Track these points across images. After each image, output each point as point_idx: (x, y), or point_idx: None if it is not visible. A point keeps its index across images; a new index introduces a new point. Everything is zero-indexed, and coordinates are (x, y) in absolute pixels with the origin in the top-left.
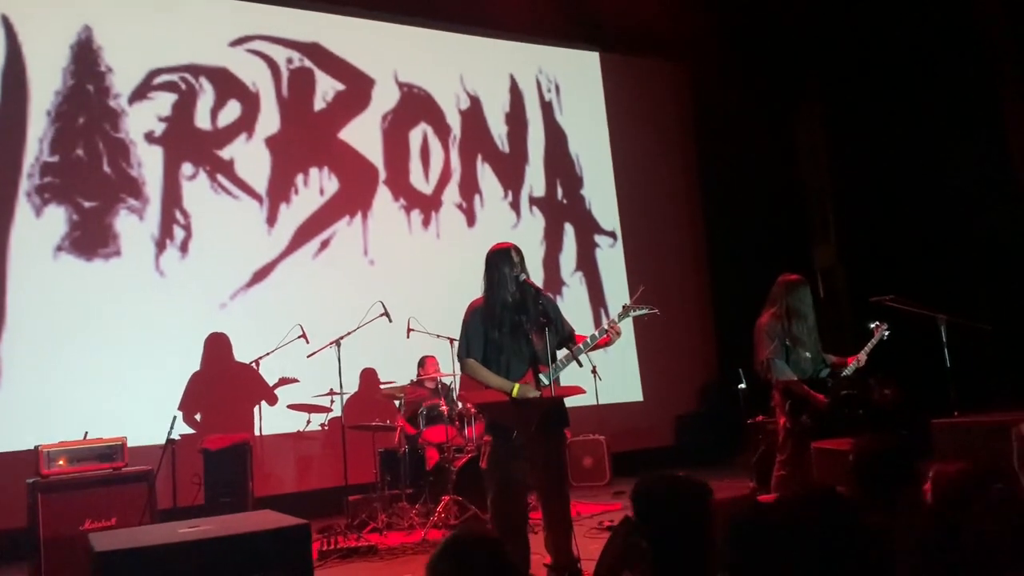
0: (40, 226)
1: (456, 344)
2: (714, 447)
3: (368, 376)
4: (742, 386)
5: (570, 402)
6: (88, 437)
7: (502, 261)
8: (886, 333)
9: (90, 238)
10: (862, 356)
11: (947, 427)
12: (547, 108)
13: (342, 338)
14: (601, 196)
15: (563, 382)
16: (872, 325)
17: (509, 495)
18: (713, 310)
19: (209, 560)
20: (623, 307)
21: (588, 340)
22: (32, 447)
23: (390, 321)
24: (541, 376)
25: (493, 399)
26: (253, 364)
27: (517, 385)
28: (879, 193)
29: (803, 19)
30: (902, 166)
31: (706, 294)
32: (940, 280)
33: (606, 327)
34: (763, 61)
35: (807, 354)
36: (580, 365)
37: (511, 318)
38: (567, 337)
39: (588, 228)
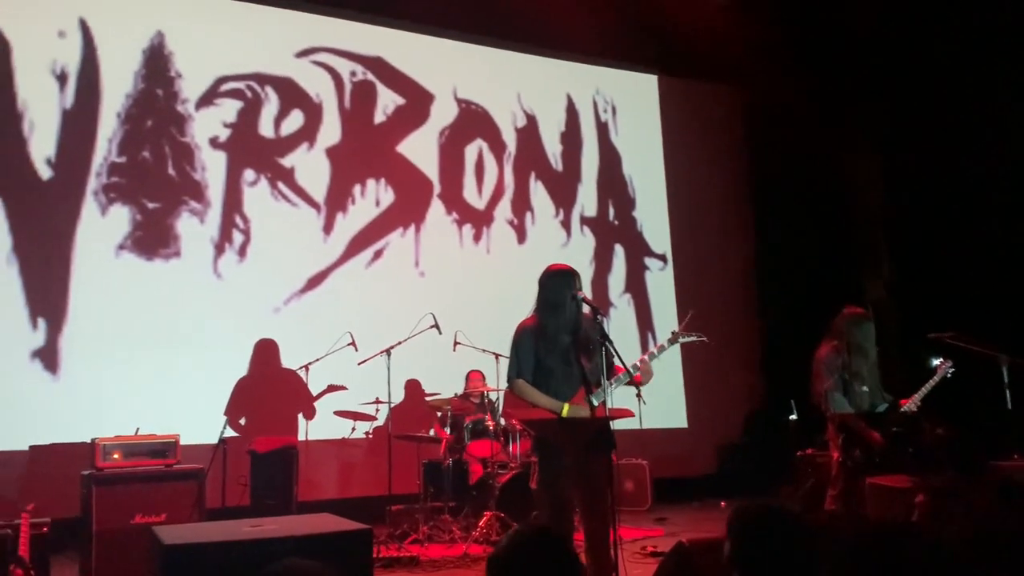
0: (105, 224)
1: (500, 360)
2: (757, 477)
3: (413, 387)
4: (793, 417)
5: (613, 425)
6: (139, 433)
7: (560, 283)
8: (950, 372)
9: (152, 238)
10: (917, 400)
11: (1009, 470)
12: (603, 129)
13: (392, 347)
14: (653, 218)
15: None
16: (935, 363)
17: (561, 517)
18: (762, 339)
19: (272, 559)
20: (672, 333)
21: (621, 376)
22: (87, 440)
23: (440, 333)
24: (591, 398)
25: (541, 416)
26: (302, 369)
27: (567, 405)
28: (934, 225)
29: (861, 47)
30: (959, 198)
31: (755, 322)
32: (998, 317)
33: (637, 364)
34: (820, 88)
35: (865, 388)
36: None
37: (562, 339)
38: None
39: (638, 250)
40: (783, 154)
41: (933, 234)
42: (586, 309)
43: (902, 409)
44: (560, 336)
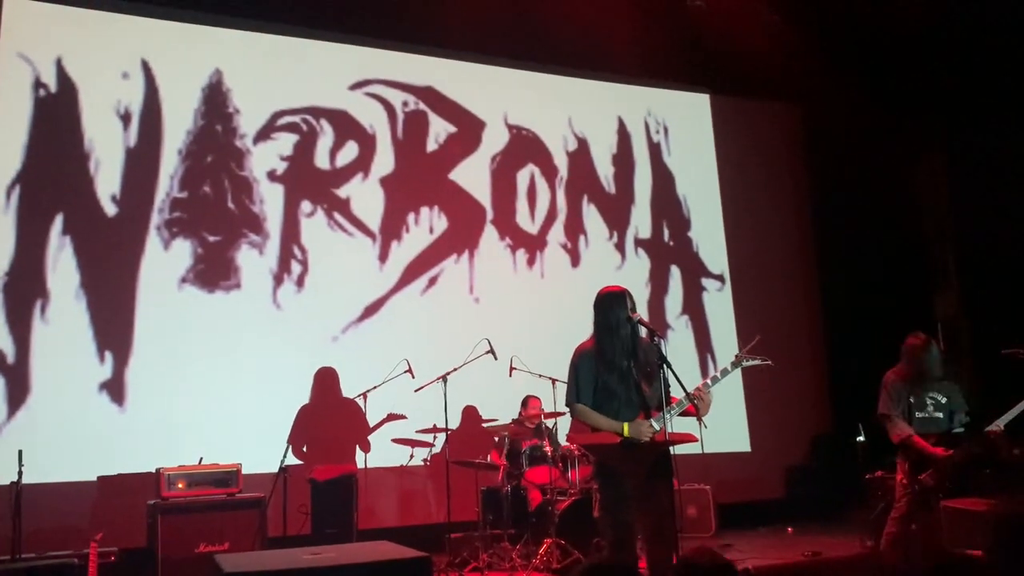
0: (167, 258)
1: (556, 384)
2: (826, 502)
3: (470, 413)
4: (861, 439)
5: (674, 449)
6: (202, 462)
7: (614, 304)
8: None
9: (212, 271)
10: (1000, 423)
11: None
12: (655, 149)
13: (449, 374)
14: (709, 239)
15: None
16: None
17: (624, 544)
18: (827, 359)
19: None
20: (735, 356)
21: (676, 405)
22: (152, 470)
23: (495, 359)
24: (652, 422)
25: (603, 441)
26: (360, 398)
27: (627, 424)
28: (1005, 236)
29: (919, 54)
30: None
31: (819, 342)
32: None
33: (692, 393)
34: (880, 101)
35: (939, 414)
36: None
37: (621, 363)
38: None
39: (695, 271)
40: (843, 169)
41: (1004, 246)
42: (643, 332)
43: (986, 430)
44: (619, 359)
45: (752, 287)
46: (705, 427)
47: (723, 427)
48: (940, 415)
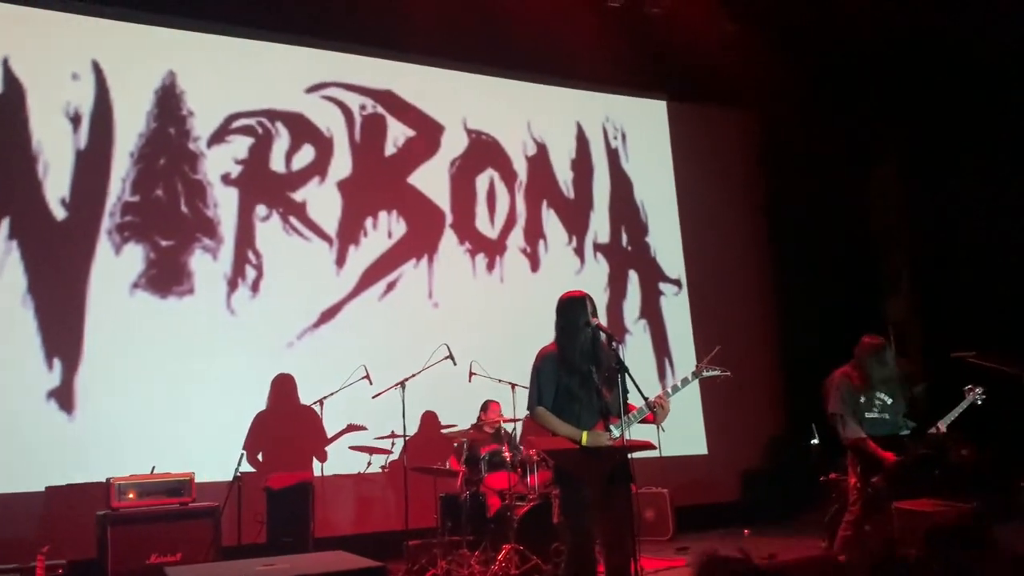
0: (119, 263)
1: (516, 389)
2: (781, 504)
3: (429, 419)
4: (815, 442)
5: (633, 454)
6: (154, 471)
7: (575, 308)
8: (980, 399)
9: (165, 276)
10: (944, 423)
11: None
12: (613, 155)
13: (407, 380)
14: (666, 244)
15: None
16: (965, 388)
17: (584, 548)
18: (781, 362)
19: None
20: (695, 367)
21: (635, 413)
22: (103, 480)
23: (455, 364)
24: (612, 428)
25: (562, 446)
26: (317, 404)
27: (586, 433)
28: (956, 244)
29: (875, 65)
30: (980, 213)
31: (774, 346)
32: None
33: (652, 402)
34: (834, 109)
35: (885, 415)
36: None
37: (583, 367)
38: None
39: (653, 275)
40: (798, 176)
41: (954, 251)
42: (603, 338)
43: (930, 431)
44: (580, 362)
45: (708, 292)
46: (663, 431)
47: (680, 430)
48: (887, 416)
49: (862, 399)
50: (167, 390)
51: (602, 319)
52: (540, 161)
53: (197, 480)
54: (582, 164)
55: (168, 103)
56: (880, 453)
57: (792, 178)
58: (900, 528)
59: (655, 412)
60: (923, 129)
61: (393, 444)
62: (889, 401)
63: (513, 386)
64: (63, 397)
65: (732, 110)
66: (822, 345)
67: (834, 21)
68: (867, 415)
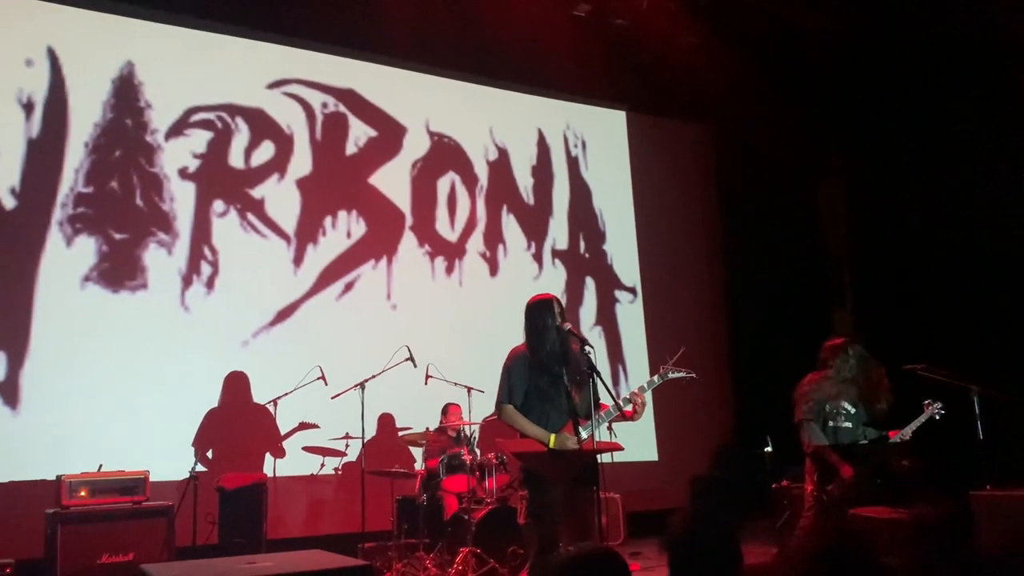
0: (70, 256)
1: (473, 393)
2: (731, 510)
3: (386, 421)
4: (768, 449)
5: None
6: (102, 469)
7: (543, 311)
8: (939, 413)
9: (118, 270)
10: (907, 431)
11: (986, 499)
12: (573, 163)
13: (366, 381)
14: (623, 252)
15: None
16: (925, 403)
17: (549, 552)
18: (732, 372)
19: None
20: (662, 368)
21: (610, 409)
22: (49, 477)
23: (415, 366)
24: (580, 430)
25: (530, 449)
26: (271, 404)
27: (554, 436)
28: (901, 260)
29: (827, 85)
30: (924, 229)
31: (725, 355)
32: (969, 348)
33: (628, 398)
34: (787, 125)
35: (847, 424)
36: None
37: (553, 368)
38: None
39: (609, 283)
40: (750, 189)
41: (900, 265)
42: (574, 340)
43: (891, 440)
44: (550, 363)
45: (662, 300)
46: (615, 436)
47: (632, 436)
48: (850, 425)
49: (828, 408)
50: (118, 386)
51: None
52: (501, 166)
53: (150, 479)
54: (543, 171)
55: (126, 94)
56: (839, 465)
57: (745, 192)
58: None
59: (635, 407)
60: (870, 146)
61: (347, 446)
62: (853, 411)
63: (469, 390)
64: (8, 392)
65: (689, 123)
66: (772, 355)
67: (790, 39)
68: (831, 424)
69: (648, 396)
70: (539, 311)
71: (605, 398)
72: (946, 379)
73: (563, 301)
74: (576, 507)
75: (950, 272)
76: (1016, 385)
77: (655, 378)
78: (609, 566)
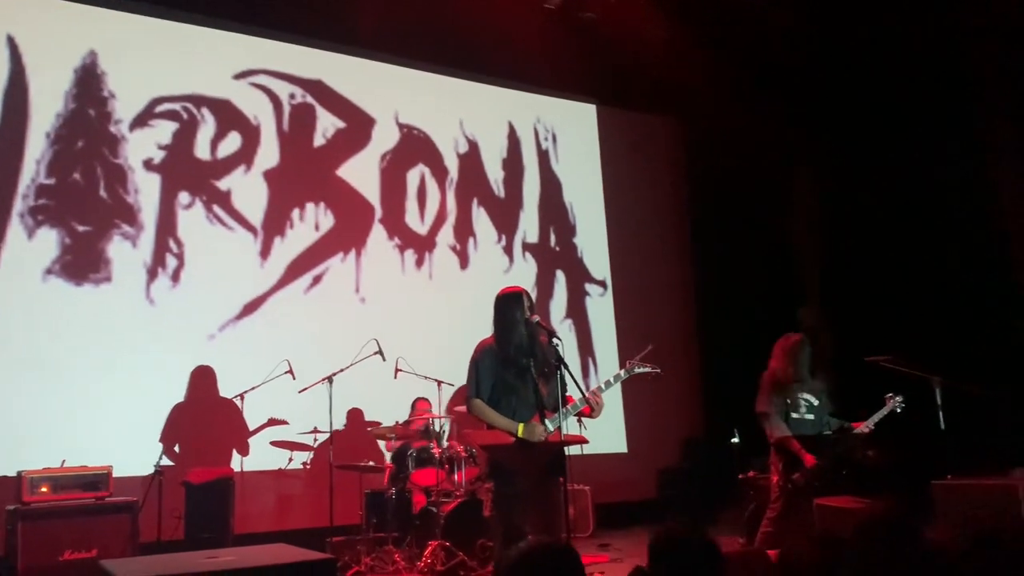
0: (31, 248)
1: (443, 387)
2: (699, 501)
3: (355, 415)
4: (735, 441)
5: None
6: (66, 465)
7: (513, 304)
8: (900, 407)
9: (81, 263)
10: (869, 424)
11: (948, 488)
12: (543, 156)
13: (335, 375)
14: (593, 245)
15: None
16: (886, 396)
17: (517, 541)
18: (700, 363)
19: None
20: (627, 363)
21: (577, 403)
22: (9, 473)
23: (384, 360)
24: (547, 422)
25: (498, 441)
26: (238, 398)
27: (522, 425)
28: (869, 254)
29: (798, 80)
30: (893, 226)
31: (694, 348)
32: (933, 341)
33: (587, 397)
34: (757, 120)
35: (809, 416)
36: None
37: (520, 361)
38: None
39: (579, 276)
40: (720, 183)
41: (868, 260)
42: (542, 333)
43: (855, 431)
44: (517, 356)
45: (632, 293)
46: (585, 428)
47: (601, 428)
48: (811, 417)
49: (788, 400)
50: (81, 381)
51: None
52: (472, 159)
53: (114, 475)
54: (513, 164)
55: (88, 83)
56: (802, 454)
57: (714, 186)
58: (821, 523)
59: (592, 406)
60: (839, 140)
61: (316, 440)
62: (815, 403)
63: (439, 383)
64: None
65: (659, 116)
66: (740, 347)
67: (759, 32)
68: (793, 415)
69: (617, 388)
70: (508, 304)
71: (573, 390)
72: (909, 371)
73: (533, 294)
74: (543, 499)
75: (917, 267)
76: (980, 376)
77: (622, 372)
78: (563, 561)
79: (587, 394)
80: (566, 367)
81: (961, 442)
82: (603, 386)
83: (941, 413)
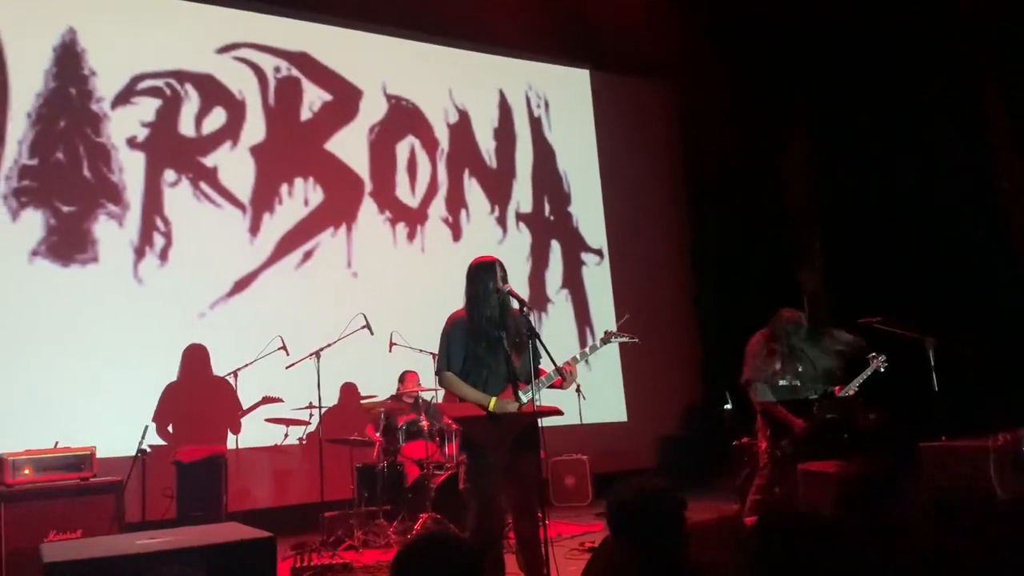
0: (16, 230)
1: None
2: (696, 468)
3: (348, 390)
4: (728, 407)
5: (553, 421)
6: (59, 446)
7: (485, 274)
8: (883, 366)
9: (67, 243)
10: (853, 386)
11: (934, 450)
12: (536, 124)
13: (322, 350)
14: (588, 213)
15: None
16: (869, 356)
17: (489, 515)
18: (698, 331)
19: (166, 573)
20: (605, 333)
21: (545, 378)
22: None
23: (371, 333)
24: (520, 394)
25: (470, 413)
26: (231, 376)
27: (494, 399)
28: (866, 218)
29: (792, 43)
30: (889, 190)
31: (691, 315)
32: (929, 303)
33: (559, 368)
34: (751, 84)
35: (796, 382)
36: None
37: (491, 333)
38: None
39: (575, 245)
40: (716, 148)
41: (865, 224)
42: (515, 303)
43: (836, 396)
44: (488, 328)
45: (629, 262)
46: (584, 398)
47: (600, 398)
48: (798, 383)
49: (777, 366)
50: (70, 362)
51: (524, 289)
52: (462, 129)
53: (103, 455)
54: (505, 133)
55: (68, 62)
56: (789, 418)
57: (711, 151)
58: (805, 489)
59: (563, 377)
60: (835, 107)
61: (311, 416)
62: (801, 369)
63: (433, 356)
64: None
65: (654, 81)
66: (738, 314)
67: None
68: (780, 383)
69: (616, 358)
70: (480, 274)
71: (546, 364)
72: (902, 332)
73: (528, 265)
74: (519, 472)
75: (916, 229)
76: (975, 336)
77: (597, 343)
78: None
79: (560, 365)
80: (538, 338)
81: (959, 403)
82: (578, 356)
83: (935, 375)
